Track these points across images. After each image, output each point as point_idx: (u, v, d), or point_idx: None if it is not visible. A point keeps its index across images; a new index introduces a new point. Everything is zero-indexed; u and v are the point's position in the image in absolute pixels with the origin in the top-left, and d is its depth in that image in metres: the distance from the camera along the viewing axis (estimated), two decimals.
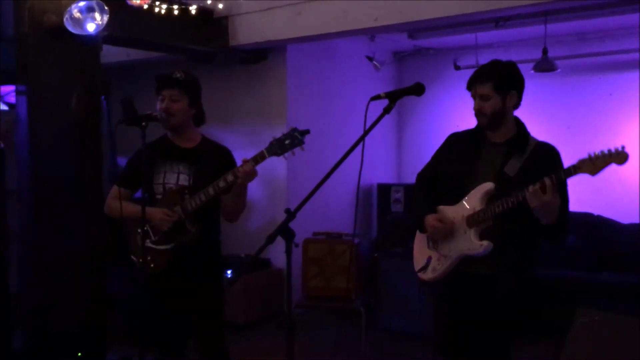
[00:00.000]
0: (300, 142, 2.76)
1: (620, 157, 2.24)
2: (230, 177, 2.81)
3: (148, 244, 2.94)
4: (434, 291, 2.85)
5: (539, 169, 2.43)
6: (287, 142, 2.76)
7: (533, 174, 2.41)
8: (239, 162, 2.96)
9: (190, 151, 3.01)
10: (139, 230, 2.91)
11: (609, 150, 2.25)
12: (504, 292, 2.53)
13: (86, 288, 3.97)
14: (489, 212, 2.49)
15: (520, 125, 2.64)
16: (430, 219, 2.63)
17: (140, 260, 2.92)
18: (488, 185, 2.51)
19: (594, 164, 2.25)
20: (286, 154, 2.78)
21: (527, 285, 2.60)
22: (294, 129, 2.77)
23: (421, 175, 2.86)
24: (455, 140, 2.79)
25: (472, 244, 2.51)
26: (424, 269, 2.66)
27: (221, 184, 2.82)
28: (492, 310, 2.53)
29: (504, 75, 2.60)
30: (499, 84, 2.55)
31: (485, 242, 2.48)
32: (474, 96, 2.61)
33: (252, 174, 2.80)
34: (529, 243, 2.60)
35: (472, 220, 2.53)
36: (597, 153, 2.27)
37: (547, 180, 2.30)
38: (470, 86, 2.62)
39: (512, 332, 2.59)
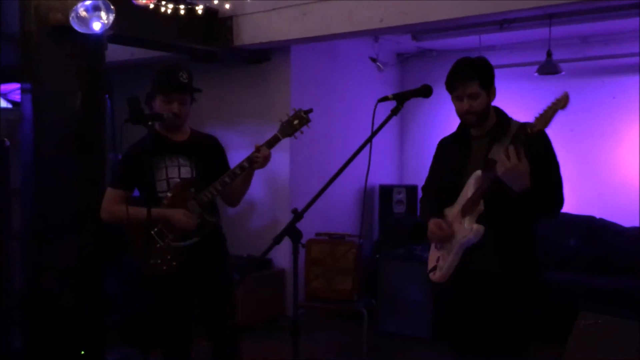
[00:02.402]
0: (308, 120, 2.93)
1: (562, 101, 2.25)
2: (245, 164, 2.89)
3: (167, 243, 2.92)
4: (441, 294, 2.83)
5: (525, 148, 2.40)
6: (295, 122, 2.92)
7: (518, 154, 2.38)
8: (236, 159, 2.99)
9: (186, 144, 3.03)
10: (154, 231, 2.89)
11: (553, 101, 2.26)
12: (510, 292, 2.50)
13: (85, 288, 3.97)
14: (476, 195, 2.47)
15: (499, 113, 2.63)
16: (431, 224, 2.63)
17: (159, 261, 2.89)
18: (476, 174, 2.50)
19: (545, 118, 2.25)
20: (296, 134, 2.95)
21: (533, 285, 2.56)
22: (299, 109, 2.93)
23: (424, 188, 2.88)
24: (445, 144, 2.80)
25: (465, 230, 2.49)
26: (433, 269, 2.65)
27: (238, 171, 2.89)
28: (498, 312, 2.51)
29: (485, 71, 2.57)
30: (484, 81, 2.54)
31: (475, 226, 2.45)
32: (458, 97, 2.55)
33: (269, 158, 2.91)
34: (527, 233, 2.56)
35: (465, 209, 2.52)
36: (544, 108, 2.27)
37: (509, 147, 2.30)
38: (455, 88, 2.56)
39: (523, 334, 2.56)
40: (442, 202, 2.67)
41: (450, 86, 2.58)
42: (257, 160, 2.88)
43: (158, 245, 2.90)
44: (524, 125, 2.32)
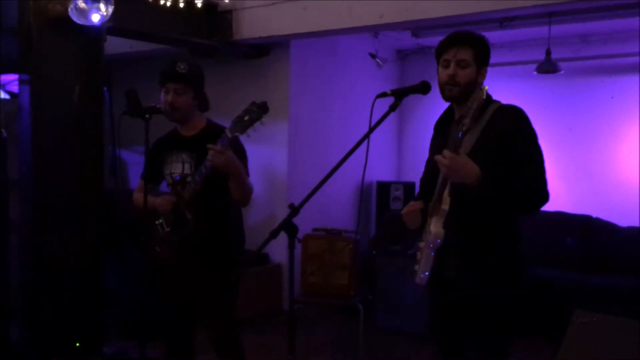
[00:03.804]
0: (259, 117, 2.61)
1: (480, 93, 2.10)
2: (207, 162, 2.75)
3: (163, 235, 3.01)
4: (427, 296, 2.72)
5: (498, 137, 2.25)
6: (245, 118, 2.62)
7: (490, 145, 2.24)
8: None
9: (192, 139, 3.01)
10: (156, 222, 3.01)
11: (472, 96, 2.13)
12: (476, 298, 2.33)
13: (84, 281, 3.97)
14: (436, 194, 2.28)
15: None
16: (408, 204, 2.47)
17: (158, 250, 3.01)
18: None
19: (471, 113, 2.09)
20: (249, 131, 2.64)
21: (504, 288, 2.34)
22: (253, 103, 2.65)
23: (421, 180, 2.72)
24: (435, 128, 2.60)
25: (428, 234, 2.29)
26: (414, 272, 2.47)
27: (203, 170, 2.79)
28: (470, 317, 2.38)
29: (482, 46, 2.36)
30: (478, 53, 2.33)
31: (433, 230, 2.24)
32: (446, 62, 2.34)
33: (219, 155, 2.68)
34: (501, 233, 2.33)
35: (431, 208, 2.34)
36: (469, 104, 2.11)
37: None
38: (446, 50, 2.35)
39: (499, 337, 2.40)
40: (427, 195, 2.48)
41: (441, 49, 2.38)
42: (209, 158, 2.72)
43: (159, 236, 3.02)
44: (460, 119, 2.16)
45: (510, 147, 2.24)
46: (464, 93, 2.31)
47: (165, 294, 3.05)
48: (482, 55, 2.36)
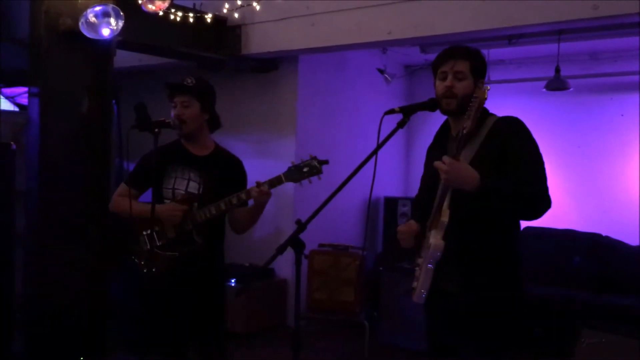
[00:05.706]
0: (319, 171, 2.77)
1: (481, 95, 2.14)
2: (243, 196, 2.83)
3: (153, 248, 2.93)
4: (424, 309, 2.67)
5: (497, 149, 2.25)
6: (305, 169, 2.77)
7: (490, 157, 2.23)
8: (249, 174, 2.99)
9: (203, 159, 2.99)
10: (144, 233, 2.93)
11: (472, 99, 2.17)
12: (476, 308, 2.29)
13: (88, 292, 3.96)
14: (435, 206, 2.27)
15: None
16: (402, 225, 2.46)
17: (142, 262, 2.94)
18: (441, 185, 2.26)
19: (470, 116, 2.14)
20: (303, 182, 2.79)
21: (503, 305, 2.31)
22: (314, 158, 2.78)
23: (415, 199, 2.70)
24: (430, 148, 2.59)
25: (427, 247, 2.27)
26: (412, 290, 2.43)
27: (234, 200, 2.83)
28: (469, 327, 2.34)
29: (479, 59, 2.38)
30: (474, 66, 2.34)
31: (432, 242, 2.23)
32: (444, 74, 2.35)
33: (267, 196, 2.83)
34: (499, 248, 2.31)
35: (430, 221, 2.32)
36: (469, 108, 2.15)
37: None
38: (443, 63, 2.36)
39: (498, 345, 2.35)
40: (424, 212, 2.45)
41: (438, 62, 2.39)
42: (254, 195, 2.80)
43: (145, 248, 2.94)
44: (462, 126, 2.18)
45: (510, 155, 2.25)
46: (461, 106, 2.32)
47: (154, 306, 3.02)
48: (478, 69, 2.37)
